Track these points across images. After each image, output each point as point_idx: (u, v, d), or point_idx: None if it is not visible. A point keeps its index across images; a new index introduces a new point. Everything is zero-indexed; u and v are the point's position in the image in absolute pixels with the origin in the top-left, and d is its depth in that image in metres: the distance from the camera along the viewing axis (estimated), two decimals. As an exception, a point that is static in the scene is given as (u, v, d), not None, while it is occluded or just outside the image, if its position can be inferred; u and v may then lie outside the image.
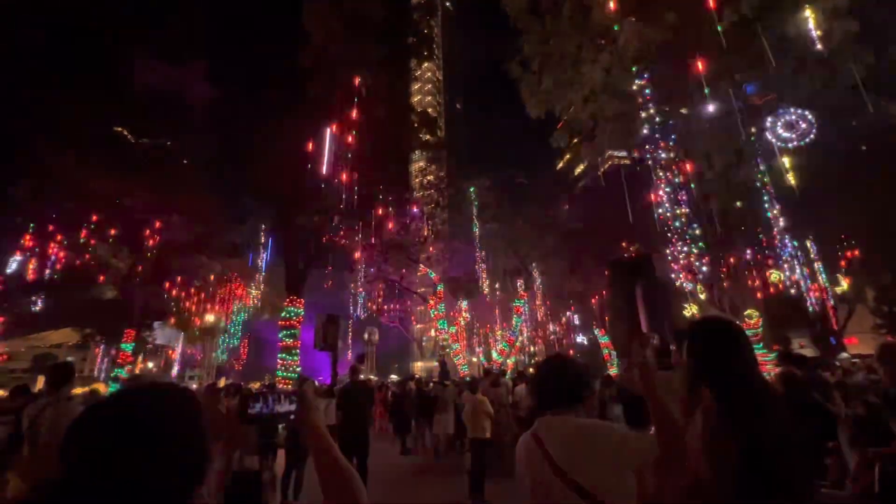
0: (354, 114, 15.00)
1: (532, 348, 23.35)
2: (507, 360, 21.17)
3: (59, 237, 17.21)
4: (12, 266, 16.69)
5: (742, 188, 12.53)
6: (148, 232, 18.65)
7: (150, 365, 24.15)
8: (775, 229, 12.67)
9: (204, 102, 19.70)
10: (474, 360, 22.16)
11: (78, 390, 8.68)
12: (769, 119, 11.16)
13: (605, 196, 34.32)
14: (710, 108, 11.13)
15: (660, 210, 12.57)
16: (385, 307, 24.18)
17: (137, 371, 20.80)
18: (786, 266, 13.75)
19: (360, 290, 20.37)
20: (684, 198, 12.23)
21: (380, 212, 17.39)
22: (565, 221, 26.69)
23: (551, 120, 15.77)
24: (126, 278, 21.49)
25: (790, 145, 10.99)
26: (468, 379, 10.53)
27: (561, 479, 1.40)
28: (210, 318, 23.60)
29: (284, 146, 17.66)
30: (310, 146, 16.05)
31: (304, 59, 16.29)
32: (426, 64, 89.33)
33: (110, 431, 0.65)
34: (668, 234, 12.61)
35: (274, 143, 17.87)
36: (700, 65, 10.39)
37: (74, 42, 15.38)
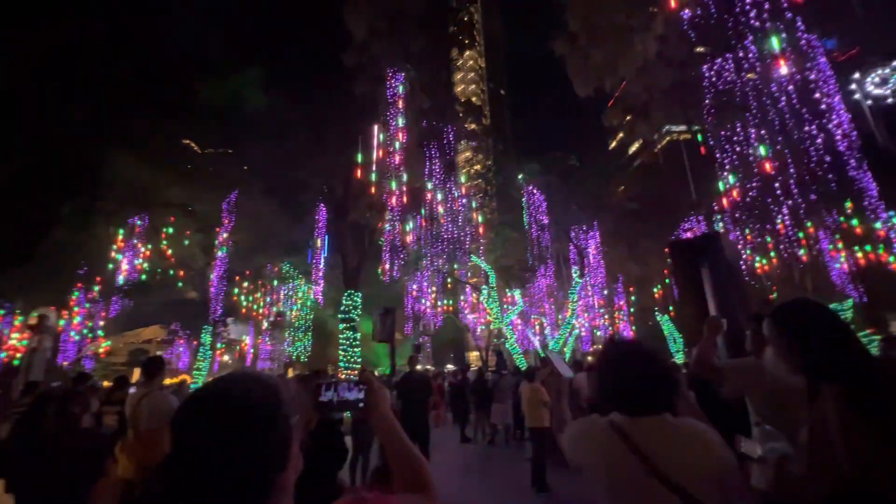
0: (400, 108, 15.18)
1: (591, 335, 22.67)
2: (564, 349, 20.73)
3: (144, 243, 19.07)
4: (107, 271, 18.71)
5: (825, 154, 11.28)
6: (218, 235, 20.13)
7: (226, 357, 26.18)
8: (866, 200, 11.28)
9: (258, 110, 20.84)
10: (530, 349, 21.89)
11: (168, 381, 9.59)
12: (856, 75, 9.91)
13: (663, 174, 32.43)
14: (784, 69, 10.06)
15: (728, 184, 11.61)
16: (438, 299, 24.51)
17: (216, 363, 22.69)
18: (881, 238, 12.22)
19: (414, 282, 20.75)
20: (756, 169, 11.19)
21: (429, 203, 17.57)
22: (621, 203, 25.52)
23: (601, 98, 15.05)
24: (201, 278, 23.47)
25: (886, 102, 9.70)
26: (524, 368, 10.45)
27: (659, 480, 1.28)
28: (276, 312, 25.15)
29: (334, 145, 18.29)
30: (359, 143, 16.51)
31: (348, 60, 16.69)
32: (468, 52, 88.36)
33: (212, 415, 0.72)
34: (738, 211, 11.65)
35: (324, 144, 18.56)
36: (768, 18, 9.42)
37: (145, 65, 16.87)
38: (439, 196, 17.62)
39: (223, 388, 0.77)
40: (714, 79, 10.82)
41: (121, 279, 18.02)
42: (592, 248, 21.37)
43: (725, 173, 11.56)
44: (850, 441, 1.25)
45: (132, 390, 5.27)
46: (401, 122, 15.15)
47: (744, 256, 12.07)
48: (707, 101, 11.07)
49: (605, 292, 22.09)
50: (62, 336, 19.91)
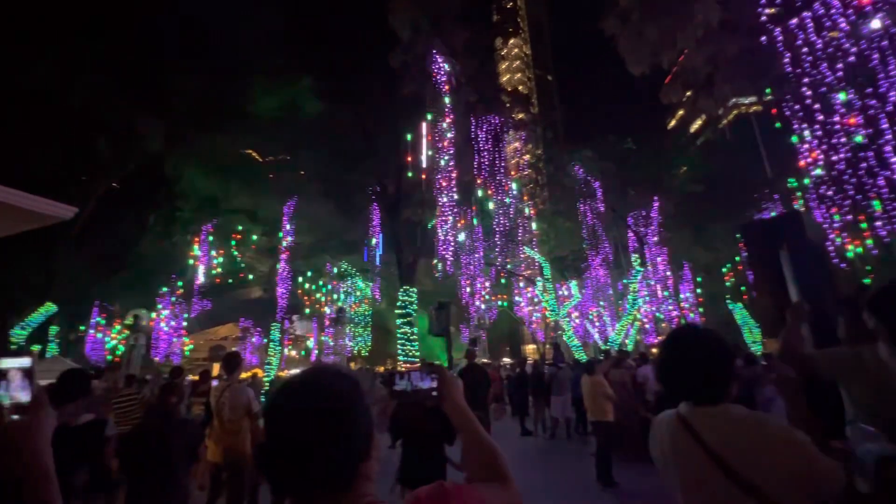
0: (447, 104, 15.23)
1: (655, 326, 21.56)
2: (626, 340, 19.89)
3: (216, 249, 20.71)
4: (187, 275, 20.55)
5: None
6: (283, 237, 21.37)
7: (293, 353, 27.82)
8: None
9: (311, 116, 21.77)
10: (589, 341, 21.23)
11: (244, 374, 10.38)
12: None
13: (731, 151, 29.94)
14: (875, 22, 8.87)
15: (807, 159, 10.47)
16: (493, 292, 24.42)
17: (282, 358, 24.23)
18: None
19: (468, 275, 20.81)
20: (842, 140, 10.00)
21: (479, 197, 17.52)
22: (683, 184, 23.96)
23: (657, 76, 14.14)
24: (268, 279, 25.11)
25: None
26: (584, 360, 10.16)
27: (723, 473, 1.24)
28: (336, 308, 26.33)
29: (385, 146, 18.72)
30: (408, 142, 16.78)
31: (394, 60, 16.96)
32: (512, 40, 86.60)
33: (303, 406, 0.77)
34: (821, 188, 10.48)
35: (375, 145, 19.05)
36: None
37: (209, 78, 18.10)
38: (490, 189, 17.50)
39: (311, 381, 0.81)
40: (789, 41, 9.78)
41: (199, 281, 19.68)
42: (653, 234, 20.24)
43: (805, 145, 10.43)
44: None
45: (214, 383, 5.77)
46: (448, 117, 15.20)
47: (831, 237, 10.87)
48: (782, 67, 10.02)
49: (670, 281, 20.87)
50: (153, 334, 22.15)
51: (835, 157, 10.13)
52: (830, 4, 9.41)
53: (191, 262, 19.58)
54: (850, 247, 11.77)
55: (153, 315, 21.98)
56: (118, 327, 21.41)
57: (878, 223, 10.20)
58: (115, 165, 17.02)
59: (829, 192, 10.37)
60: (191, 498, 3.01)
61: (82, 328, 20.90)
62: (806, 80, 9.94)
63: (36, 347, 16.83)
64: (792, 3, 9.85)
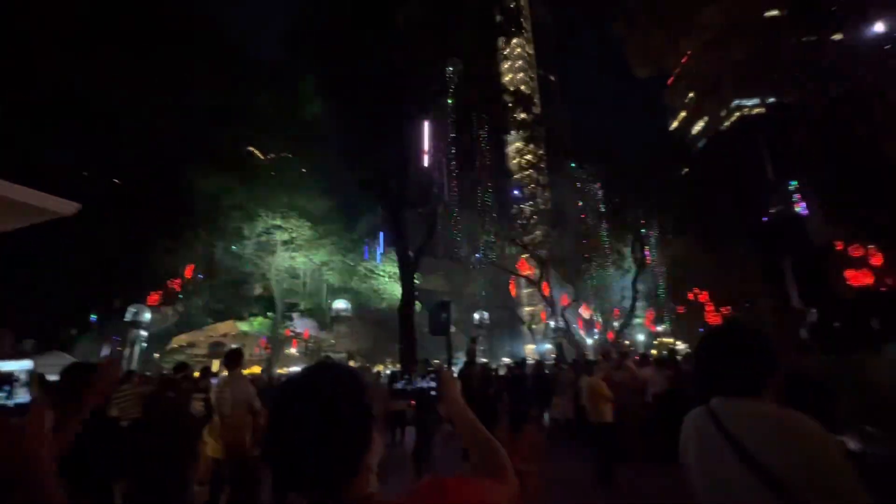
0: (450, 103, 15.21)
1: (654, 328, 21.56)
2: (625, 341, 19.91)
3: (217, 245, 20.77)
4: (188, 272, 20.62)
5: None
6: (282, 235, 21.41)
7: (293, 350, 27.87)
8: None
9: (314, 113, 21.78)
10: (590, 341, 21.23)
11: (245, 371, 10.40)
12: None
13: (732, 154, 29.87)
14: (879, 25, 8.83)
15: (814, 161, 10.44)
16: (493, 290, 24.43)
17: (279, 354, 24.25)
18: None
19: (469, 274, 20.85)
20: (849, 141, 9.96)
21: (481, 196, 17.51)
22: (685, 187, 23.94)
23: (660, 79, 14.10)
24: (266, 276, 25.15)
25: None
26: (584, 361, 10.17)
27: (749, 469, 1.22)
28: (337, 306, 26.36)
29: (387, 144, 18.70)
30: (410, 140, 16.78)
31: (397, 59, 16.94)
32: (515, 40, 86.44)
33: (307, 400, 0.79)
34: (827, 191, 10.45)
35: (377, 142, 19.02)
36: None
37: (212, 76, 18.15)
38: (491, 188, 17.50)
39: (314, 376, 0.84)
40: (800, 43, 9.75)
41: (199, 278, 19.71)
42: (654, 236, 20.25)
43: (813, 146, 10.39)
44: None
45: (214, 380, 5.77)
46: (451, 117, 15.20)
47: (833, 240, 10.86)
48: (793, 69, 9.97)
49: (670, 283, 20.88)
50: (151, 330, 22.18)
51: (836, 164, 10.12)
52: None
53: (192, 258, 19.61)
54: (856, 252, 11.78)
55: (155, 311, 22.04)
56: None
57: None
58: (126, 162, 17.06)
59: (835, 197, 10.35)
60: (192, 492, 3.01)
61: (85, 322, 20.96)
62: (811, 85, 9.92)
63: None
64: (798, 8, 9.83)
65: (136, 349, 15.08)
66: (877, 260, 13.46)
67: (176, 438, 2.99)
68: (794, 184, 14.03)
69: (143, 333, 21.82)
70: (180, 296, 21.04)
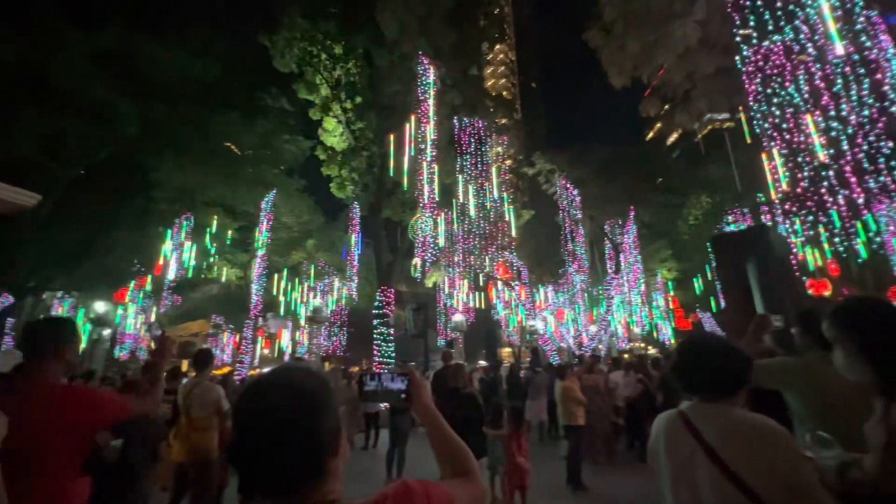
0: (431, 105, 15.22)
1: (628, 332, 22.06)
2: (599, 346, 20.29)
3: (190, 241, 20.13)
4: (158, 268, 19.87)
5: (888, 139, 10.41)
6: (257, 232, 20.93)
7: (266, 351, 27.25)
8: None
9: (292, 110, 21.45)
10: (563, 345, 21.55)
11: (217, 372, 10.11)
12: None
13: (704, 164, 30.98)
14: (840, 49, 9.34)
15: (774, 175, 10.93)
16: (470, 295, 24.50)
17: (257, 356, 23.69)
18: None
19: (446, 278, 20.86)
20: (808, 159, 10.49)
21: (460, 199, 17.55)
22: (659, 195, 24.67)
23: (638, 89, 14.51)
24: (243, 275, 24.56)
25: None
26: (557, 365, 10.31)
27: (718, 468, 1.27)
28: (312, 307, 25.92)
29: (367, 144, 18.56)
30: (390, 141, 16.71)
31: (379, 59, 16.87)
32: (498, 46, 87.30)
33: (273, 403, 0.78)
34: (788, 202, 10.94)
35: (357, 143, 18.85)
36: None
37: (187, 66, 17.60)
38: (471, 192, 17.57)
39: (280, 379, 0.83)
40: (761, 63, 10.20)
41: (170, 276, 19.08)
42: (628, 242, 20.75)
43: (774, 162, 10.88)
44: None
45: (184, 381, 5.59)
46: (432, 119, 15.20)
47: (794, 251, 11.37)
48: (753, 86, 10.44)
49: (643, 288, 21.42)
50: (118, 329, 21.29)
51: (799, 175, 10.61)
52: (800, 29, 9.88)
53: (163, 254, 18.96)
54: (811, 260, 12.36)
55: (120, 308, 21.17)
56: (81, 320, 20.56)
57: (836, 239, 10.75)
58: (86, 151, 16.29)
59: (794, 208, 10.83)
60: (151, 498, 2.91)
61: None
62: (775, 100, 10.39)
63: None
64: (764, 26, 10.28)
65: (99, 348, 14.44)
66: (834, 271, 14.18)
67: (138, 444, 2.88)
68: (760, 196, 14.73)
69: (107, 331, 20.95)
70: (143, 291, 20.30)
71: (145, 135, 16.71)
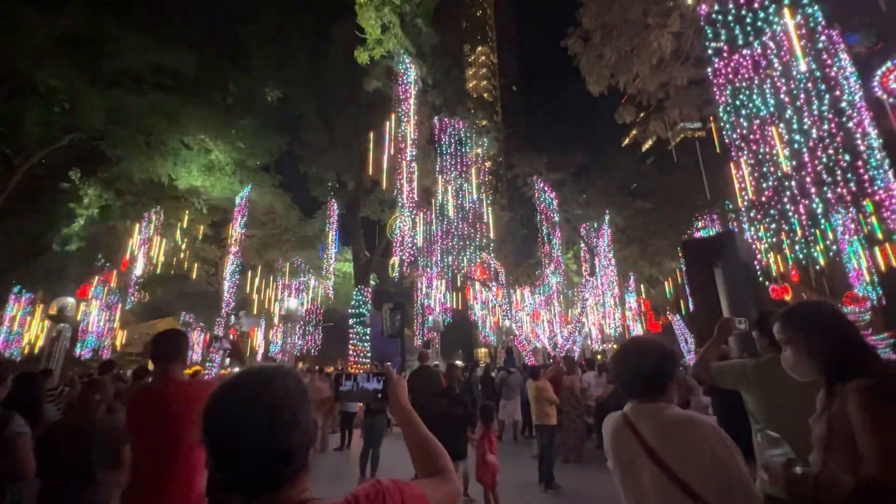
0: (411, 104, 15.18)
1: (601, 334, 22.54)
2: (574, 347, 20.64)
3: (159, 236, 19.45)
4: (124, 263, 19.11)
5: (845, 152, 10.99)
6: (230, 228, 20.39)
7: (238, 350, 26.54)
8: (887, 200, 10.97)
9: (270, 105, 20.97)
10: (538, 346, 21.83)
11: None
12: (879, 71, 9.65)
13: (676, 171, 31.98)
14: (803, 66, 9.81)
15: (741, 184, 11.36)
16: (447, 295, 24.53)
17: (225, 356, 23.08)
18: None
19: (424, 278, 20.83)
20: (772, 170, 10.96)
21: (439, 199, 17.55)
22: (633, 200, 25.30)
23: (616, 95, 14.84)
24: (215, 272, 23.89)
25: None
26: (531, 366, 10.45)
27: (653, 461, 1.35)
28: (287, 306, 25.44)
29: (346, 141, 18.37)
30: (370, 139, 16.58)
31: (360, 56, 16.71)
32: (480, 48, 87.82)
33: (246, 404, 0.77)
34: (752, 211, 11.40)
35: (336, 139, 18.63)
36: (787, 13, 9.16)
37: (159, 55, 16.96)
38: (450, 192, 17.59)
39: (252, 379, 0.82)
40: (730, 75, 10.61)
41: (137, 271, 18.39)
42: (603, 246, 21.20)
43: (740, 172, 11.33)
44: (880, 433, 1.25)
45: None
46: (412, 118, 15.16)
47: (758, 256, 11.86)
48: (724, 98, 10.84)
49: (616, 291, 21.92)
50: (80, 326, 20.34)
51: (764, 185, 11.07)
52: (767, 45, 10.31)
53: (129, 248, 18.23)
54: (773, 266, 12.89)
55: (81, 305, 20.24)
56: (39, 317, 19.60)
57: (797, 246, 11.25)
58: (44, 139, 15.47)
59: (759, 216, 11.28)
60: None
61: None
62: (743, 111, 10.80)
63: None
64: (735, 41, 10.68)
65: (58, 347, 13.79)
66: (795, 277, 14.86)
67: (101, 447, 2.77)
68: (727, 204, 15.36)
69: (68, 328, 19.97)
70: (107, 287, 19.48)
71: (112, 124, 16.01)
